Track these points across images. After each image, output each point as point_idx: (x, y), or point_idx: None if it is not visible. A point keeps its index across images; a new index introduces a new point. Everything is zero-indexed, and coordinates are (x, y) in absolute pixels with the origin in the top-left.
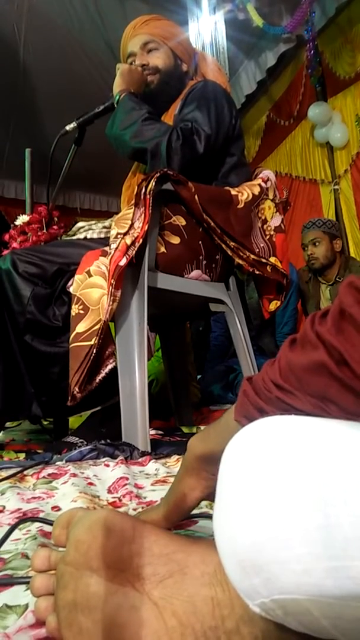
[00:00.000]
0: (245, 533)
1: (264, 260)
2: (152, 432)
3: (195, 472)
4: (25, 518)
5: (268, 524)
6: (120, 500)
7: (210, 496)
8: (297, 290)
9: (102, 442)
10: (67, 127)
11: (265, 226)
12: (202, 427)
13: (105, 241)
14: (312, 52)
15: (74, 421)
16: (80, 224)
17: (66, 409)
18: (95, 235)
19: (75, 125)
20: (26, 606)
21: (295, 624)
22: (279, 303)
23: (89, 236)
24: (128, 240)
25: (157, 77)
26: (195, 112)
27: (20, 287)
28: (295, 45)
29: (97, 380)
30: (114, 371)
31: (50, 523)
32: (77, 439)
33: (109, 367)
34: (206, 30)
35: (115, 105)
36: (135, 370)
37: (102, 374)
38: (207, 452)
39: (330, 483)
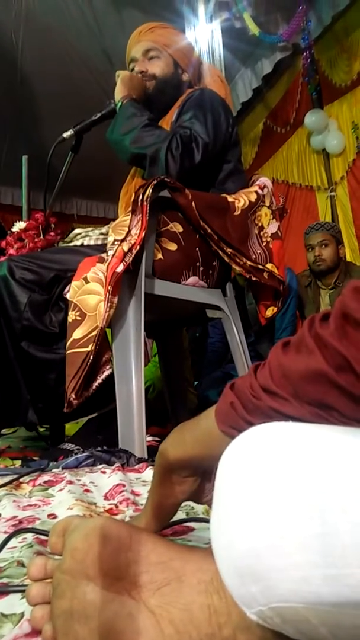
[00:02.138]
0: (243, 540)
1: (260, 267)
2: (149, 438)
3: (167, 479)
4: (20, 529)
5: (266, 531)
6: (117, 507)
7: (190, 496)
8: (297, 296)
9: (99, 448)
10: (64, 135)
11: (261, 233)
12: None
13: (102, 248)
14: (309, 60)
15: (70, 428)
16: (77, 231)
17: (63, 416)
18: (92, 242)
19: (73, 132)
20: (22, 615)
21: (293, 632)
22: (275, 309)
23: (85, 243)
24: (125, 246)
25: (153, 84)
26: (192, 119)
27: (17, 293)
28: (292, 53)
29: (94, 386)
30: (110, 378)
31: (45, 534)
32: (73, 446)
33: (106, 373)
34: (203, 38)
35: (117, 111)
36: (132, 377)
37: (99, 380)
38: (183, 458)
39: (328, 491)
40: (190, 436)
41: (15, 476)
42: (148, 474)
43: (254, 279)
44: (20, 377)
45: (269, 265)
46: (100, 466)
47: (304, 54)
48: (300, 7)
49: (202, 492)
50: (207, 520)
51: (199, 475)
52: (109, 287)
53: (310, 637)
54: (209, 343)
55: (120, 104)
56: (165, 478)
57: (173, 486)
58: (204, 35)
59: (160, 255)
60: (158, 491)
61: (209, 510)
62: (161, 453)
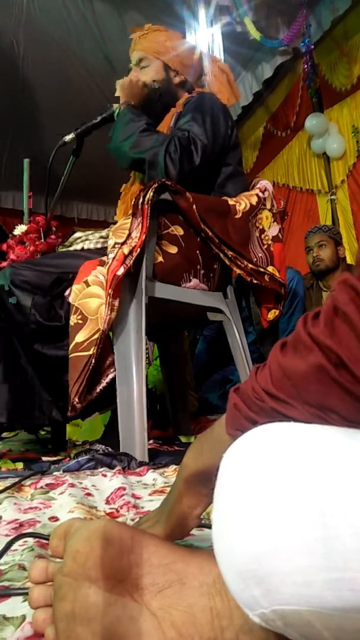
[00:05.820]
0: (245, 544)
1: (262, 270)
2: (150, 441)
3: (194, 490)
4: (21, 534)
5: (267, 535)
6: (117, 511)
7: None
8: (303, 300)
9: (100, 451)
10: (66, 138)
11: (263, 236)
12: None
13: (102, 251)
14: (309, 64)
15: (72, 431)
16: (77, 235)
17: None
18: (92, 246)
19: (74, 136)
20: (24, 618)
21: (296, 635)
22: (277, 312)
23: (85, 247)
24: (126, 249)
25: (145, 92)
26: (190, 122)
27: (21, 298)
28: (292, 57)
29: (98, 390)
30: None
31: (46, 538)
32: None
33: (110, 376)
34: (203, 42)
35: (116, 118)
36: (133, 380)
37: (103, 383)
38: (203, 469)
39: (330, 494)
40: (206, 446)
41: (16, 479)
42: (149, 477)
43: (255, 281)
44: (36, 379)
45: (270, 268)
46: (101, 469)
47: (304, 58)
48: (301, 12)
49: None
50: (209, 526)
51: None
52: (110, 290)
53: None
54: (203, 336)
55: (117, 110)
56: (191, 489)
57: (200, 498)
58: (204, 39)
59: (160, 258)
60: (184, 502)
61: (210, 514)
62: (183, 465)
